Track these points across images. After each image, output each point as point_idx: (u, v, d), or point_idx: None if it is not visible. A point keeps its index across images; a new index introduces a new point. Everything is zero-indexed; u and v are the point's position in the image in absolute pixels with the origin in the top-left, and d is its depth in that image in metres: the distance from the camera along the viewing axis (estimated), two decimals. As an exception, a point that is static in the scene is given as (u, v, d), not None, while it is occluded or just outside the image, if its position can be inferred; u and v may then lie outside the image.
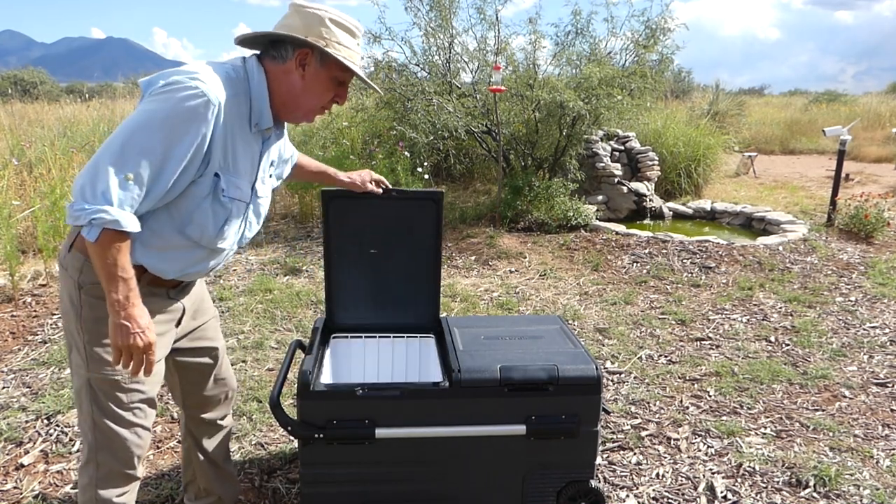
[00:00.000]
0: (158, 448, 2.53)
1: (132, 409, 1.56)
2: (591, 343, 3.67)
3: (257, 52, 1.53)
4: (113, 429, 1.55)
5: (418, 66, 7.03)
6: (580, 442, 1.92)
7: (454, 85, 6.89)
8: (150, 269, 1.51)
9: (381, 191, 2.07)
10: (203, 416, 1.91)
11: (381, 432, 1.83)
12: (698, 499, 2.29)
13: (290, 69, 1.48)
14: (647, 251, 5.36)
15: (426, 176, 6.51)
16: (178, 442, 2.57)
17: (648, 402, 2.97)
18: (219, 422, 1.94)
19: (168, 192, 1.40)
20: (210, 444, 1.95)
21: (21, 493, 2.23)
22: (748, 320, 4.05)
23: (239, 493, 2.13)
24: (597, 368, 1.89)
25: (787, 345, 3.68)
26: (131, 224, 1.35)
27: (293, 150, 1.92)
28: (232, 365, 3.24)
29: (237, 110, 1.45)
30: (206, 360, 1.83)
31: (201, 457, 1.95)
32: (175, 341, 1.71)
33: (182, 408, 1.93)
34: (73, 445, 2.52)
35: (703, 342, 3.70)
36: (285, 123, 1.67)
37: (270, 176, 1.69)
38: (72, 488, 2.26)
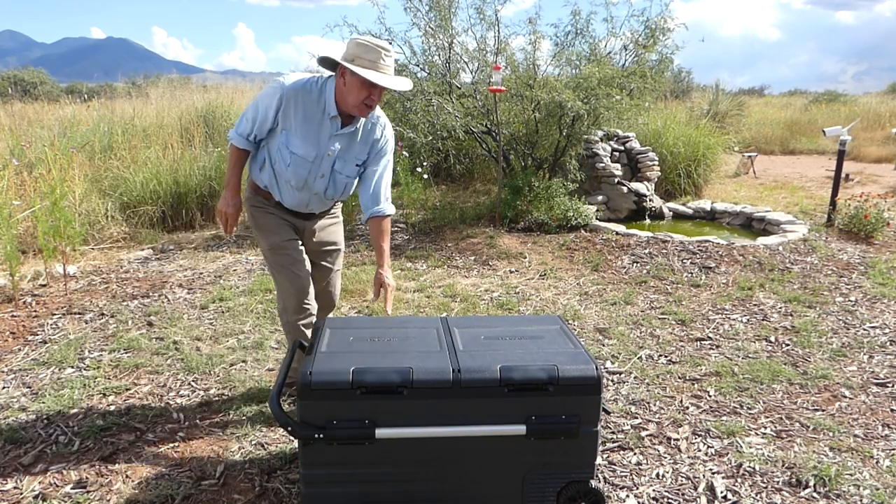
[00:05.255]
0: (159, 448, 2.53)
1: (285, 262, 2.56)
2: (591, 343, 3.67)
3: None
4: (278, 276, 2.59)
5: (418, 66, 7.03)
6: (580, 442, 1.92)
7: (454, 85, 6.89)
8: (259, 184, 2.56)
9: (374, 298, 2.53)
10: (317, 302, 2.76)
11: (381, 432, 1.83)
12: (698, 499, 2.29)
13: (339, 79, 2.34)
14: (647, 251, 5.36)
15: (425, 176, 6.51)
16: (180, 440, 2.57)
17: (648, 402, 2.97)
18: (323, 303, 2.82)
19: (267, 130, 2.45)
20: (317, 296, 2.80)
21: (21, 494, 2.23)
22: (748, 320, 4.06)
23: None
24: (597, 368, 1.89)
25: (787, 345, 3.68)
26: (239, 142, 2.49)
27: (379, 195, 2.52)
28: (232, 365, 3.26)
29: (308, 98, 2.37)
30: (325, 265, 2.78)
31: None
32: (308, 250, 2.66)
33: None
34: (72, 446, 2.52)
35: (703, 342, 3.70)
36: (361, 130, 2.48)
37: (357, 165, 2.51)
38: (72, 488, 2.26)
